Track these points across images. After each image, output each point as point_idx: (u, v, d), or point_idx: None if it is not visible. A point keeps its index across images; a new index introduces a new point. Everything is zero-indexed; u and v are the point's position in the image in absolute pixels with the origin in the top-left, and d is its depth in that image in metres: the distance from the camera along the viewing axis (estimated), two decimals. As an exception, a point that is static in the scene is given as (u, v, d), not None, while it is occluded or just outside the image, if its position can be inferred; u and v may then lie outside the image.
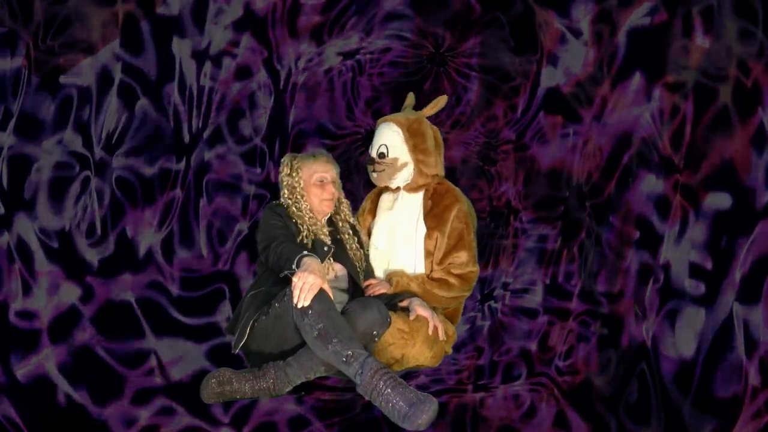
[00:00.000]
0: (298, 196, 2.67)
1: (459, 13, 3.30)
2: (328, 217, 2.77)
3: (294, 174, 2.70)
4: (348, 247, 2.75)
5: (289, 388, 2.36)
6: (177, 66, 3.08)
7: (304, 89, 3.43)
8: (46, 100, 2.72)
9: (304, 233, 2.59)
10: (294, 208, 2.65)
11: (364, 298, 2.54)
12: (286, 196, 2.69)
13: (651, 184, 2.46)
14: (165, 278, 2.99)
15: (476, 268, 2.83)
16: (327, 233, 2.68)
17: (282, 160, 2.76)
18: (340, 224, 2.80)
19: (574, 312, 2.80)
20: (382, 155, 2.83)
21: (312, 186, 2.69)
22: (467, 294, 2.87)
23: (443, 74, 3.42)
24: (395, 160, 2.82)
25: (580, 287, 2.85)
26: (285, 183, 2.70)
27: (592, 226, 2.80)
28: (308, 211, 2.66)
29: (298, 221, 2.63)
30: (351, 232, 2.81)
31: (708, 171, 2.22)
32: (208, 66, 3.18)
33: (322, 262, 2.53)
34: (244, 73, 3.30)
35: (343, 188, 2.90)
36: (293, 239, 2.56)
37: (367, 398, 2.15)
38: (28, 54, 2.72)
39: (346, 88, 3.49)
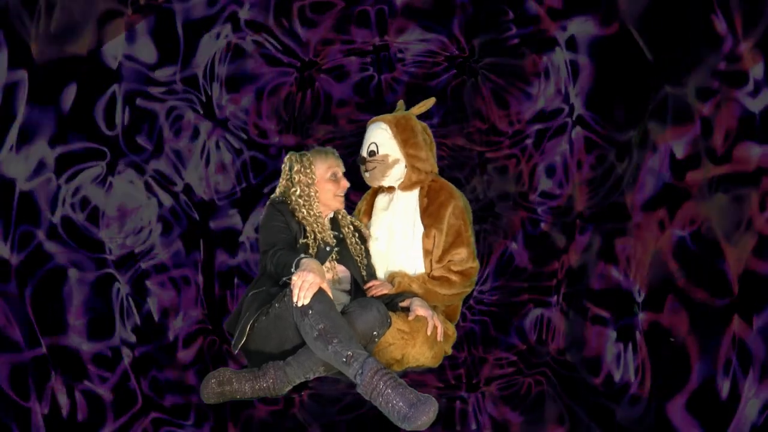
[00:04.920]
0: (312, 192, 2.66)
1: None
2: (331, 216, 2.77)
3: (308, 170, 2.67)
4: (351, 248, 2.75)
5: (289, 388, 2.37)
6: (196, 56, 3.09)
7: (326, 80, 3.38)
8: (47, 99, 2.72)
9: (309, 235, 2.59)
10: (304, 209, 2.64)
11: (363, 299, 2.54)
12: (297, 193, 2.65)
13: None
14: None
15: (476, 264, 2.84)
16: (330, 234, 2.68)
17: (288, 157, 2.73)
18: (344, 226, 2.79)
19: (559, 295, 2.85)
20: (372, 153, 2.84)
21: (326, 182, 2.70)
22: (469, 290, 2.88)
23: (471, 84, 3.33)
24: (386, 156, 2.82)
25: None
26: (297, 180, 2.67)
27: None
28: (317, 210, 2.66)
29: (302, 220, 2.62)
30: (354, 232, 2.80)
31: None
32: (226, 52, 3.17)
33: (324, 262, 2.54)
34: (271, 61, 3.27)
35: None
36: (294, 242, 2.56)
37: (367, 398, 2.15)
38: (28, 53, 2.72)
39: (366, 84, 3.43)
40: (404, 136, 2.83)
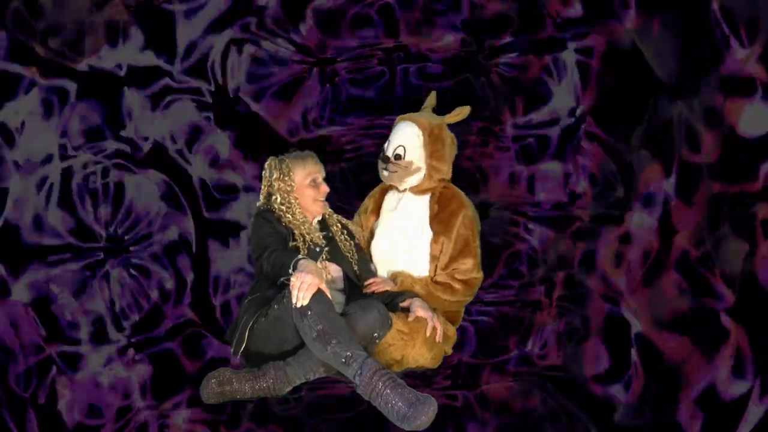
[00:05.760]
0: (291, 200, 2.65)
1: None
2: (320, 218, 2.77)
3: (286, 177, 2.66)
4: (342, 246, 2.75)
5: (289, 388, 2.37)
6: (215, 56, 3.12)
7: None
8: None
9: (298, 238, 2.59)
10: (288, 215, 2.63)
11: (363, 300, 2.53)
12: (278, 201, 2.65)
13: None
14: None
15: (480, 275, 2.83)
16: (319, 235, 2.68)
17: (268, 163, 2.71)
18: (332, 225, 2.79)
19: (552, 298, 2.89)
20: (398, 156, 2.80)
21: (305, 187, 2.68)
22: (470, 299, 2.86)
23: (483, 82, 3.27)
24: (410, 163, 2.79)
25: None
26: (276, 187, 2.67)
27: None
28: (300, 214, 2.66)
29: (289, 225, 2.62)
30: (342, 230, 2.80)
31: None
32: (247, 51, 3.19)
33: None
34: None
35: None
36: (285, 245, 2.55)
37: (366, 399, 2.16)
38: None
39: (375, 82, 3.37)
40: (434, 147, 2.79)
